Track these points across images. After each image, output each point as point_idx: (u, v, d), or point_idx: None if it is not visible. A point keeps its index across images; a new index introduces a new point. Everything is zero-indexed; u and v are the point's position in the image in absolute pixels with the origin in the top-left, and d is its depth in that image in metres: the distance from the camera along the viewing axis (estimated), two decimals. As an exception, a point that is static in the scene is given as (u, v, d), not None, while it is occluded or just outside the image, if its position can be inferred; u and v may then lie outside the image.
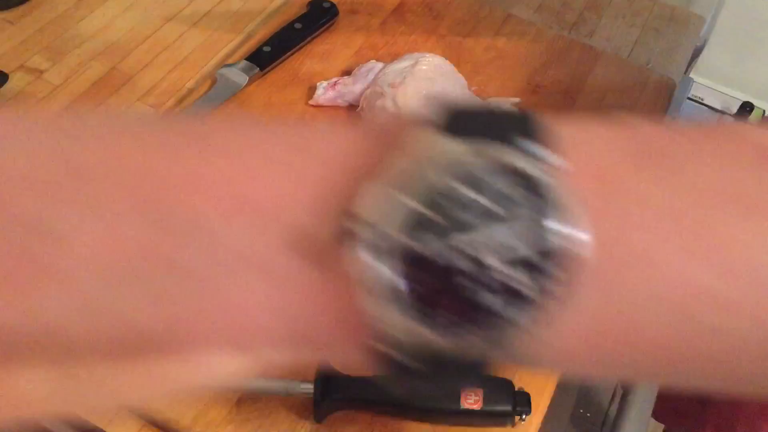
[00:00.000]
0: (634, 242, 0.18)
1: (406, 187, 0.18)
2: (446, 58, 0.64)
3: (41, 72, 0.65)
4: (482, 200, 0.18)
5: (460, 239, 0.17)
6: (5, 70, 0.61)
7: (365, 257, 0.18)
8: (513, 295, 0.17)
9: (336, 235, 0.18)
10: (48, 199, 0.18)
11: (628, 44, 0.78)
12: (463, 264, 0.17)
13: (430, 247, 0.17)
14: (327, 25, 0.71)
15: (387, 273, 0.18)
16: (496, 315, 0.18)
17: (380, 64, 0.65)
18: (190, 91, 0.65)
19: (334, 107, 0.65)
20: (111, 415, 0.46)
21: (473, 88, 0.66)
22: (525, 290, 0.17)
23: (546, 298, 0.18)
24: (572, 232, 0.18)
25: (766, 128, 0.20)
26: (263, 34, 0.69)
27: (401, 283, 0.18)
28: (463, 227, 0.18)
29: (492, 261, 0.17)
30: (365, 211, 0.18)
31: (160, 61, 0.68)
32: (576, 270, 0.18)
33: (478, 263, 0.17)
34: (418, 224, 0.18)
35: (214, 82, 0.65)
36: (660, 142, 0.20)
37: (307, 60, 0.69)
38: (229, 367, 0.20)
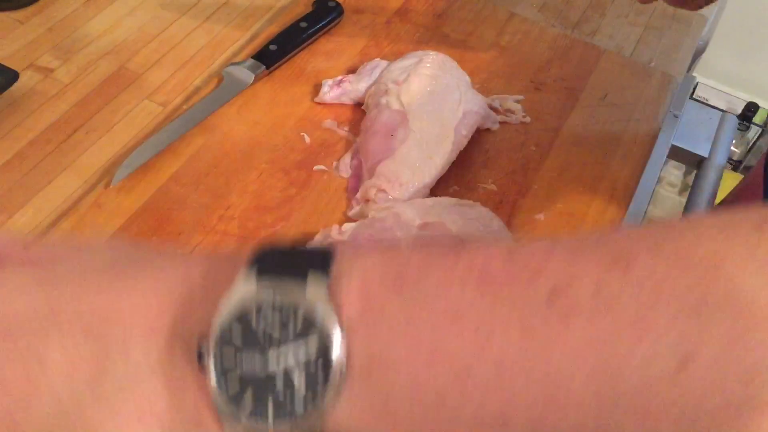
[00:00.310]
0: (383, 351, 0.26)
1: (228, 320, 0.27)
2: (450, 57, 0.65)
3: (51, 70, 0.66)
4: (274, 329, 0.27)
5: (267, 356, 0.26)
6: (16, 69, 0.62)
7: (209, 374, 0.27)
8: (300, 395, 0.26)
9: (194, 354, 0.27)
10: (36, 332, 0.29)
11: (630, 43, 0.79)
12: (270, 378, 0.26)
13: (249, 365, 0.26)
14: (332, 24, 0.72)
15: (224, 387, 0.26)
16: (294, 412, 0.26)
17: (385, 62, 0.66)
18: (198, 88, 0.66)
19: (340, 104, 0.65)
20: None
21: (476, 86, 0.67)
22: (306, 392, 0.26)
23: (322, 395, 0.26)
24: (334, 347, 0.26)
25: (483, 254, 0.28)
26: (269, 32, 0.70)
27: (233, 393, 0.26)
28: (267, 344, 0.26)
29: (292, 377, 0.26)
30: (207, 338, 0.27)
31: (167, 59, 0.69)
32: (340, 374, 0.26)
33: (282, 376, 0.26)
34: (239, 343, 0.27)
35: (221, 80, 0.66)
36: (411, 269, 0.28)
37: (313, 58, 0.70)
38: None
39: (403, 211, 0.52)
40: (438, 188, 0.59)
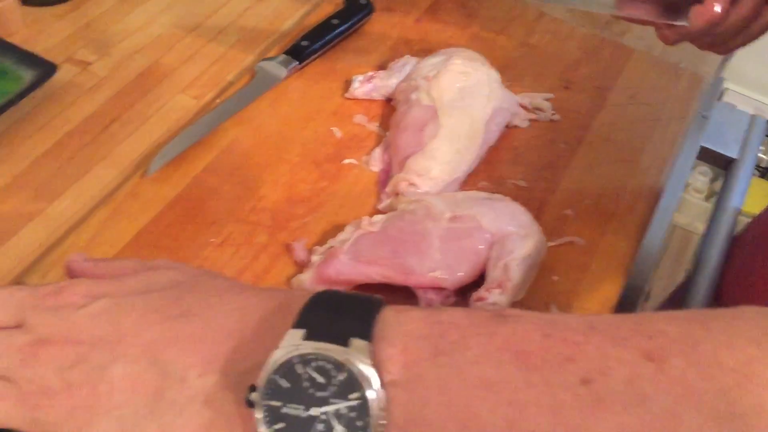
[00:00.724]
0: (419, 414, 0.28)
1: (275, 376, 0.29)
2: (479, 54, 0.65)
3: (88, 64, 0.67)
4: (318, 388, 0.29)
5: (310, 410, 0.29)
6: (54, 62, 0.63)
7: (257, 424, 0.29)
8: None
9: (243, 396, 0.30)
10: (103, 351, 0.33)
11: (659, 43, 0.78)
12: (314, 426, 0.29)
13: (294, 420, 0.29)
14: (363, 21, 0.73)
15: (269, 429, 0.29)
16: None
17: (415, 59, 0.67)
18: (231, 83, 0.67)
19: (370, 100, 0.66)
20: None
21: (506, 84, 0.67)
22: None
23: None
24: (373, 407, 0.28)
25: (522, 328, 0.29)
26: (301, 29, 0.71)
27: None
28: (311, 399, 0.29)
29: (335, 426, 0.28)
30: (256, 389, 0.29)
31: (201, 55, 0.70)
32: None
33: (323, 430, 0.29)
34: (285, 396, 0.29)
35: (253, 75, 0.67)
36: (450, 337, 0.29)
37: (344, 55, 0.71)
38: None
39: (433, 204, 0.53)
40: (467, 183, 0.60)
